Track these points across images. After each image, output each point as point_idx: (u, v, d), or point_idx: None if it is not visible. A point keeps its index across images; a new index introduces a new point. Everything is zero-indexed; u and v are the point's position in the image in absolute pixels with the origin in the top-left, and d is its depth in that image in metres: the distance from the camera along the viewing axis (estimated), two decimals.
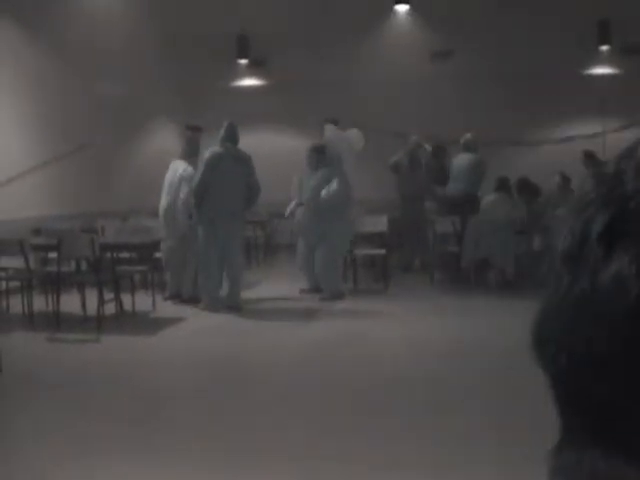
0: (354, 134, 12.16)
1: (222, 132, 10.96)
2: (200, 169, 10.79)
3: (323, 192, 11.36)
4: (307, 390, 7.35)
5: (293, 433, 6.16)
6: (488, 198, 12.50)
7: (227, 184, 10.61)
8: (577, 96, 16.32)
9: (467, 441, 5.86)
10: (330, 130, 11.96)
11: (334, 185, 11.33)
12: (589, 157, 13.65)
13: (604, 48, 16.97)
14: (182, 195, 11.09)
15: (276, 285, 12.28)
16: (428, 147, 13.99)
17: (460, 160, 13.24)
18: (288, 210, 12.09)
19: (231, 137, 10.96)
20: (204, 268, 10.91)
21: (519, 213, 12.37)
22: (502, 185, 12.68)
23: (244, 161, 10.86)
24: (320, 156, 11.62)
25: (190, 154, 11.42)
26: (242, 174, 10.72)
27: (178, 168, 11.37)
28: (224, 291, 10.96)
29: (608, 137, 15.91)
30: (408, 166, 13.51)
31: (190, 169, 11.19)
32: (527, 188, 13.09)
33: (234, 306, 10.82)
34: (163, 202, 11.41)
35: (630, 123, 15.72)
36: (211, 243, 10.77)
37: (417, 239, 13.42)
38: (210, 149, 10.91)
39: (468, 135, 13.45)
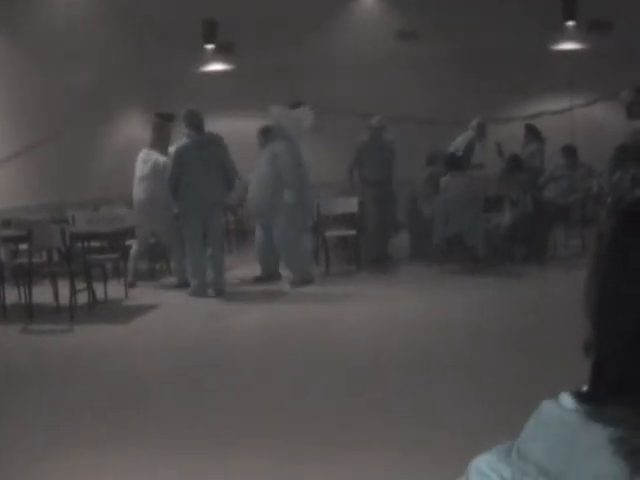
0: (302, 112, 12.05)
1: (184, 121, 11.00)
2: (169, 165, 10.86)
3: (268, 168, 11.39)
4: (279, 372, 7.39)
5: (271, 416, 6.20)
6: (444, 178, 12.46)
7: (199, 174, 10.63)
8: (545, 72, 16.37)
9: (436, 416, 5.92)
10: (276, 110, 11.88)
11: (279, 159, 11.29)
12: (530, 130, 14.35)
13: (570, 24, 17.02)
14: (159, 188, 11.11)
15: (251, 270, 12.25)
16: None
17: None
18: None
19: (194, 124, 10.95)
20: (190, 256, 11.02)
21: (474, 190, 12.40)
22: (453, 163, 12.65)
23: (214, 144, 10.88)
24: (267, 136, 11.66)
25: (161, 143, 11.40)
26: (214, 159, 10.76)
27: (149, 159, 11.33)
28: (208, 277, 11.01)
29: (576, 112, 16.01)
30: (371, 148, 13.22)
31: (162, 160, 11.18)
32: (514, 162, 13.23)
33: (220, 291, 10.95)
34: (138, 194, 11.37)
35: (597, 98, 15.81)
36: (195, 232, 10.88)
37: (384, 224, 13.13)
38: (175, 144, 10.99)
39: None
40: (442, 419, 5.88)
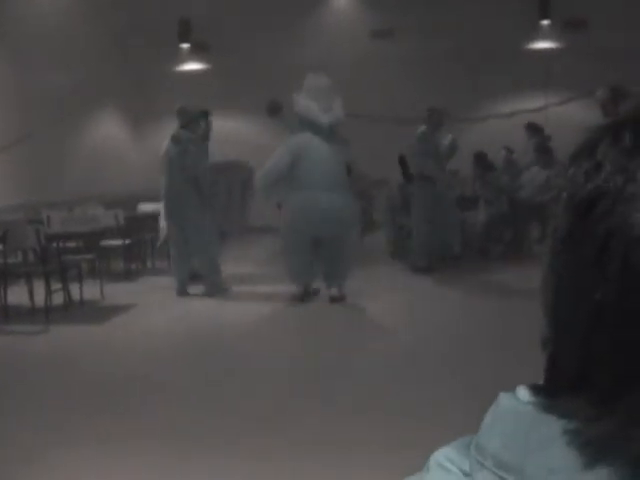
0: None
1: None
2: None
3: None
4: (260, 371, 7.40)
5: (250, 415, 6.21)
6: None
7: (173, 175, 10.59)
8: (520, 71, 16.43)
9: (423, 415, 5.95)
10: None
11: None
12: (531, 128, 14.08)
13: (545, 22, 17.11)
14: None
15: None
16: None
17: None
18: None
19: (180, 123, 10.87)
20: (172, 254, 11.11)
21: (451, 188, 12.45)
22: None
23: (180, 143, 10.71)
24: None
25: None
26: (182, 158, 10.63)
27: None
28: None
29: (551, 111, 16.08)
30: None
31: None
32: (482, 162, 13.34)
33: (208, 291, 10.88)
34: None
35: (572, 97, 15.89)
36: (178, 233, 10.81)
37: None
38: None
39: None
40: (430, 418, 5.90)
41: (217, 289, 10.80)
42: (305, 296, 10.18)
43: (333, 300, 10.07)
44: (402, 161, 12.83)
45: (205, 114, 10.79)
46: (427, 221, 11.71)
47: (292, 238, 9.89)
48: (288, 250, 10.09)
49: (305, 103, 9.89)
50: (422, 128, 12.07)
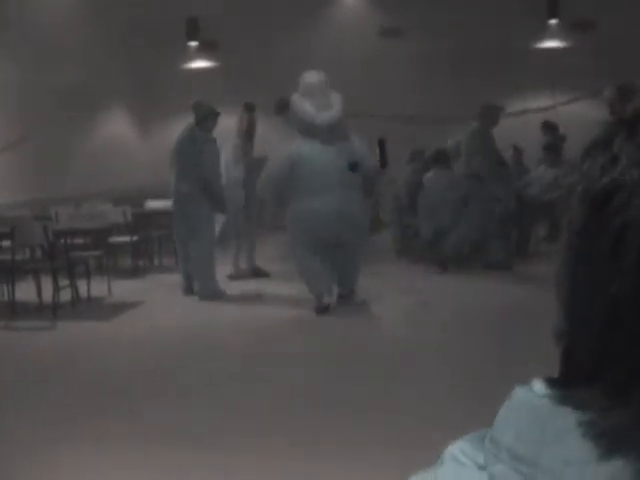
0: None
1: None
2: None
3: None
4: (262, 370, 7.41)
5: (253, 413, 6.22)
6: (428, 174, 12.43)
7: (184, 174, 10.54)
8: (528, 70, 16.43)
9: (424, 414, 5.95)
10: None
11: None
12: (546, 126, 14.03)
13: (553, 22, 17.11)
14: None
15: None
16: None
17: None
18: None
19: (195, 119, 10.71)
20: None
21: (458, 187, 12.41)
22: (439, 158, 12.58)
23: (195, 143, 10.61)
24: None
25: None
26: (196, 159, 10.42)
27: None
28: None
29: (559, 110, 16.07)
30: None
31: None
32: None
33: (202, 295, 10.66)
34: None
35: (579, 96, 15.88)
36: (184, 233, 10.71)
37: None
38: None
39: None
40: (431, 416, 5.90)
41: (209, 294, 10.50)
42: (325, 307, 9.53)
43: (342, 297, 9.86)
44: (381, 145, 12.68)
45: (217, 114, 10.64)
46: (480, 217, 11.68)
47: (300, 251, 9.53)
48: (300, 262, 9.65)
49: (300, 104, 9.56)
50: (474, 125, 11.87)
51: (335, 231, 9.29)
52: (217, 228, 11.15)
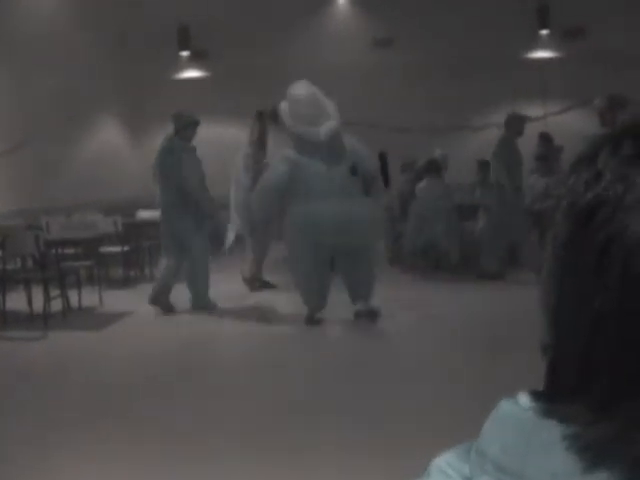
0: None
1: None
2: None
3: None
4: (253, 381, 7.40)
5: (244, 421, 6.21)
6: (420, 183, 12.49)
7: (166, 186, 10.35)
8: (519, 80, 16.47)
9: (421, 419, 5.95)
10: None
11: None
12: (542, 138, 14.03)
13: (544, 32, 17.17)
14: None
15: (226, 283, 12.21)
16: None
17: None
18: None
19: (174, 129, 10.59)
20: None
21: (450, 196, 12.46)
22: (431, 168, 12.64)
23: (172, 153, 10.33)
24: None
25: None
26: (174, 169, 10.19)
27: None
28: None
29: (549, 120, 16.11)
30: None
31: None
32: (487, 169, 13.26)
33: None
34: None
35: (570, 106, 15.93)
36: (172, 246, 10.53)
37: None
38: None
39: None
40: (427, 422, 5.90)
41: (202, 305, 10.40)
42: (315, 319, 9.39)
43: (359, 316, 9.38)
44: (383, 160, 12.72)
45: (197, 123, 10.48)
46: (495, 227, 11.68)
47: (298, 260, 9.29)
48: (297, 272, 9.46)
49: (292, 120, 9.21)
50: (503, 134, 11.93)
51: (335, 237, 8.95)
52: (231, 237, 11.18)
